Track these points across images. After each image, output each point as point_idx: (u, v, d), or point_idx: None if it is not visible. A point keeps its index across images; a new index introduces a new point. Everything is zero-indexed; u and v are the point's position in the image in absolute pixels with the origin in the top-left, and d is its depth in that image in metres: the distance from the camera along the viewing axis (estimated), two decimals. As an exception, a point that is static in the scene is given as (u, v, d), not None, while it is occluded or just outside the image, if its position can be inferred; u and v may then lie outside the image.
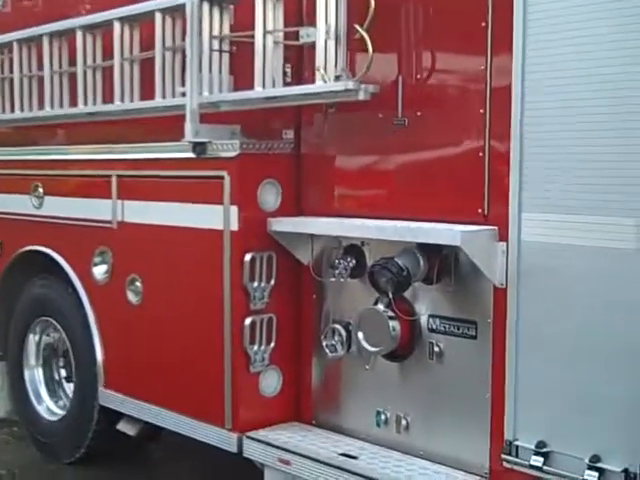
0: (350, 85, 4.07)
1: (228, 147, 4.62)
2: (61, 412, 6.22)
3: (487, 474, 4.07)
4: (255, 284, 4.67)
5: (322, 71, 4.18)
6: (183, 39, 4.99)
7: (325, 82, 4.19)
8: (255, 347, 4.69)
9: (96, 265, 5.57)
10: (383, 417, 4.51)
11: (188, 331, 4.94)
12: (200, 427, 4.88)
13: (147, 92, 5.26)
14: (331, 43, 4.18)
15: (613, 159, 3.55)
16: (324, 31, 4.16)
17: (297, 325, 4.90)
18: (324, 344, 4.66)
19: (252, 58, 4.62)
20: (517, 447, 3.90)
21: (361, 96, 4.13)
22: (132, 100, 5.33)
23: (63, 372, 6.33)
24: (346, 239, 4.57)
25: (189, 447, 5.32)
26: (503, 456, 3.93)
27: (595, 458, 3.61)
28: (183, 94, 4.90)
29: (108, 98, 5.46)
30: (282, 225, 4.64)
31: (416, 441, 4.38)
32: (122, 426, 5.58)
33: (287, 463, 4.48)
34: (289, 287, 4.84)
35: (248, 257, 4.63)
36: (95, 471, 5.88)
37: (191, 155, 4.77)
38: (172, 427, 5.08)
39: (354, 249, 4.56)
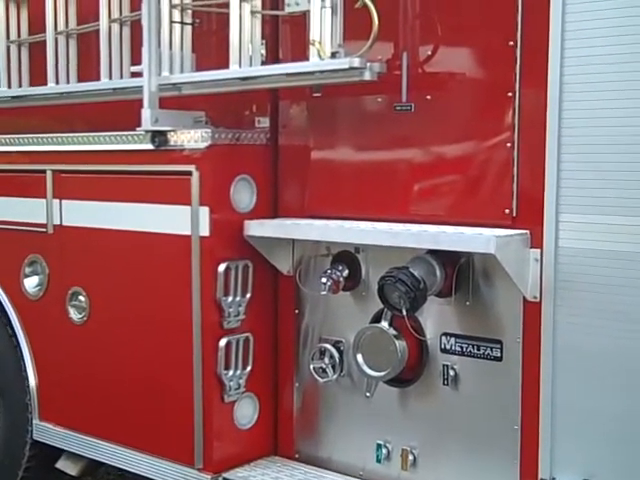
0: (356, 63, 3.39)
1: (197, 137, 3.88)
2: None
3: (517, 518, 3.51)
4: (230, 299, 3.96)
5: (318, 46, 3.49)
6: (131, 9, 4.29)
7: (322, 59, 3.50)
8: (230, 372, 4.00)
9: (27, 277, 4.75)
10: (385, 451, 3.88)
11: (148, 354, 4.18)
12: (164, 467, 4.13)
13: (86, 72, 4.51)
14: (327, 13, 3.50)
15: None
16: (320, -3, 3.49)
17: (275, 345, 4.22)
18: (312, 367, 4.01)
19: (217, 32, 4.02)
20: (555, 487, 3.37)
21: (367, 76, 3.46)
22: (69, 81, 4.55)
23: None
24: (336, 245, 3.92)
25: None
26: (539, 498, 3.38)
27: (657, 500, 3.10)
28: (134, 74, 4.18)
29: (41, 78, 4.65)
30: (264, 229, 3.93)
31: (426, 479, 3.77)
32: (62, 464, 4.78)
33: (275, 511, 3.82)
34: (267, 301, 4.17)
35: (222, 267, 3.92)
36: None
37: (149, 146, 4.02)
38: (129, 467, 4.31)
39: (346, 257, 3.92)
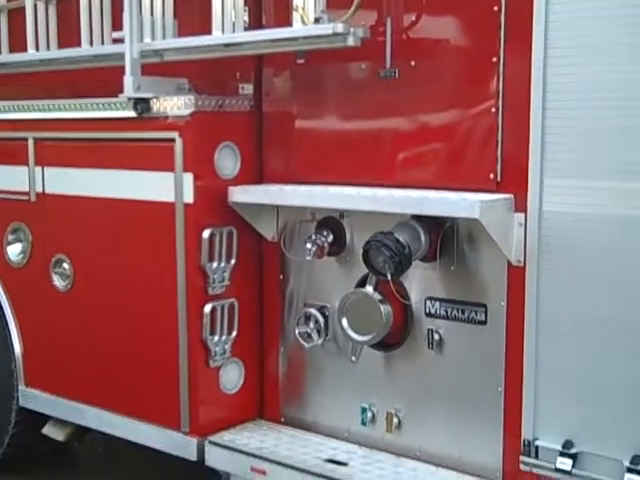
0: (339, 28, 3.38)
1: (180, 104, 3.87)
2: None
3: (500, 477, 3.56)
4: (214, 265, 3.98)
5: (301, 12, 3.48)
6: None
7: (305, 25, 3.49)
8: (215, 338, 4.03)
9: (10, 244, 4.75)
10: (369, 414, 3.93)
11: (133, 321, 4.21)
12: (151, 431, 4.18)
13: (67, 38, 4.46)
14: (310, -22, 3.49)
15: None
16: (302, -37, 3.47)
17: (260, 310, 4.25)
18: (297, 332, 4.05)
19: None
20: (538, 447, 3.42)
21: (350, 42, 3.45)
22: (49, 48, 4.50)
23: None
24: (320, 211, 3.94)
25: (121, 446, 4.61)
26: (522, 458, 3.43)
27: (637, 460, 3.15)
28: (116, 40, 4.14)
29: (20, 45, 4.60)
30: (248, 195, 3.94)
31: (410, 441, 3.83)
32: (48, 430, 4.82)
33: (262, 473, 3.85)
34: (251, 267, 4.19)
35: (206, 234, 3.94)
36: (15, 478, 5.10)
37: (131, 114, 4.01)
38: (116, 432, 4.35)
39: (331, 222, 3.95)
